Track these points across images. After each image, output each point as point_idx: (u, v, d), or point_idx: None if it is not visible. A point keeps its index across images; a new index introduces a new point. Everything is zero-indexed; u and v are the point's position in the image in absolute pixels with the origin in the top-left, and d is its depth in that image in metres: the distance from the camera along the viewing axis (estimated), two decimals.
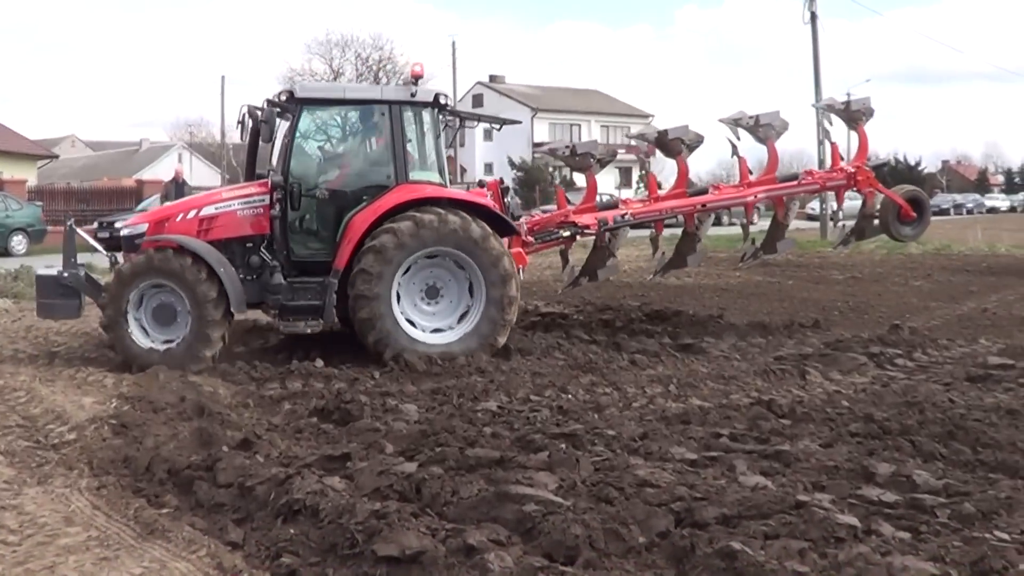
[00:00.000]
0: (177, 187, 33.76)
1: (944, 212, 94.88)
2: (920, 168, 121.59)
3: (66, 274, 15.62)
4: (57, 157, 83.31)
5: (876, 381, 14.02)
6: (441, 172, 16.78)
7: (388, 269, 15.38)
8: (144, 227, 15.89)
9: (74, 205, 51.18)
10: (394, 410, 11.94)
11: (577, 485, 8.64)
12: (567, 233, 18.76)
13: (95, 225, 43.12)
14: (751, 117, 19.42)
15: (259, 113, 16.28)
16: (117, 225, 16.73)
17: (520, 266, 17.11)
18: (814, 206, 54.19)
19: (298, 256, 15.98)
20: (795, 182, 19.98)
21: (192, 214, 15.80)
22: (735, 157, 19.93)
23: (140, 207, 45.23)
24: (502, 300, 15.83)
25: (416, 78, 16.72)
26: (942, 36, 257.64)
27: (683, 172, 19.51)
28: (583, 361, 15.29)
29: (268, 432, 11.14)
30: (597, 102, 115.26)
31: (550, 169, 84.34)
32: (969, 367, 14.81)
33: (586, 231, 18.78)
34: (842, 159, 20.29)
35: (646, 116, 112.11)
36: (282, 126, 16.28)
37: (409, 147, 16.35)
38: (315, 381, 13.96)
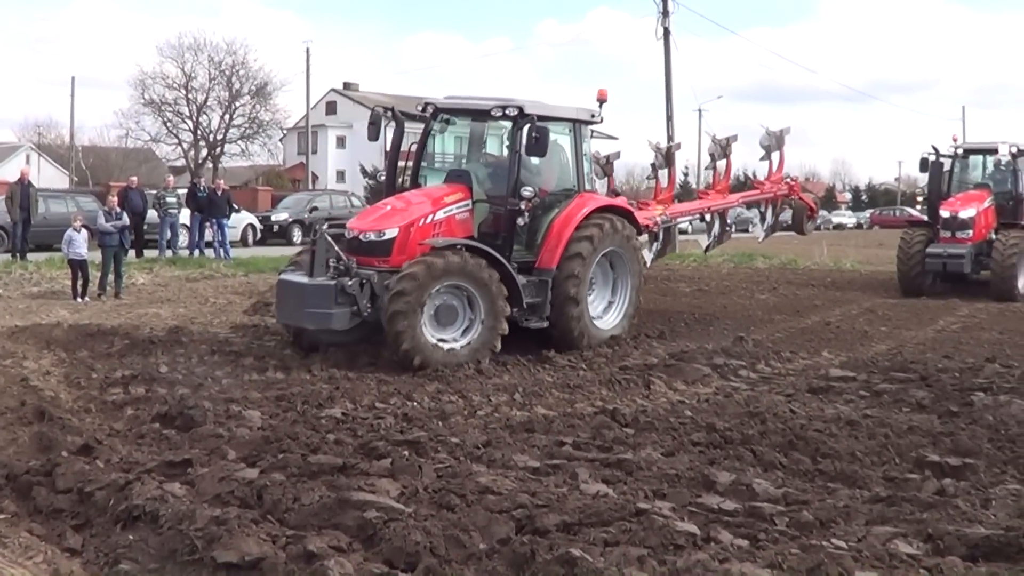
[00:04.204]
0: (23, 188, 33.04)
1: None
2: None
3: (350, 282, 15.59)
4: None
5: (719, 392, 14.23)
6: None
7: (586, 272, 17.68)
8: (394, 232, 16.21)
9: None
10: (237, 416, 11.81)
11: (419, 492, 8.63)
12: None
13: None
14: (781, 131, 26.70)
15: (402, 116, 18.47)
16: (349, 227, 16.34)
17: None
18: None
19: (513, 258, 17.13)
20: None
21: (430, 218, 16.54)
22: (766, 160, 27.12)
23: None
24: (639, 286, 19.57)
25: (601, 101, 19.00)
26: (795, 56, 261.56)
27: (729, 171, 26.46)
28: (430, 368, 15.19)
29: (109, 438, 10.98)
30: None
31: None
32: (811, 379, 15.09)
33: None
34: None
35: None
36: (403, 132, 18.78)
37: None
38: (158, 386, 13.77)
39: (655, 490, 9.00)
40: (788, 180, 27.11)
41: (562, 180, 18.54)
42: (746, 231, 31.41)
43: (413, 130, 18.75)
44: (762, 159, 27.48)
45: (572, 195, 18.20)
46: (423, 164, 18.65)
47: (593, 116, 18.82)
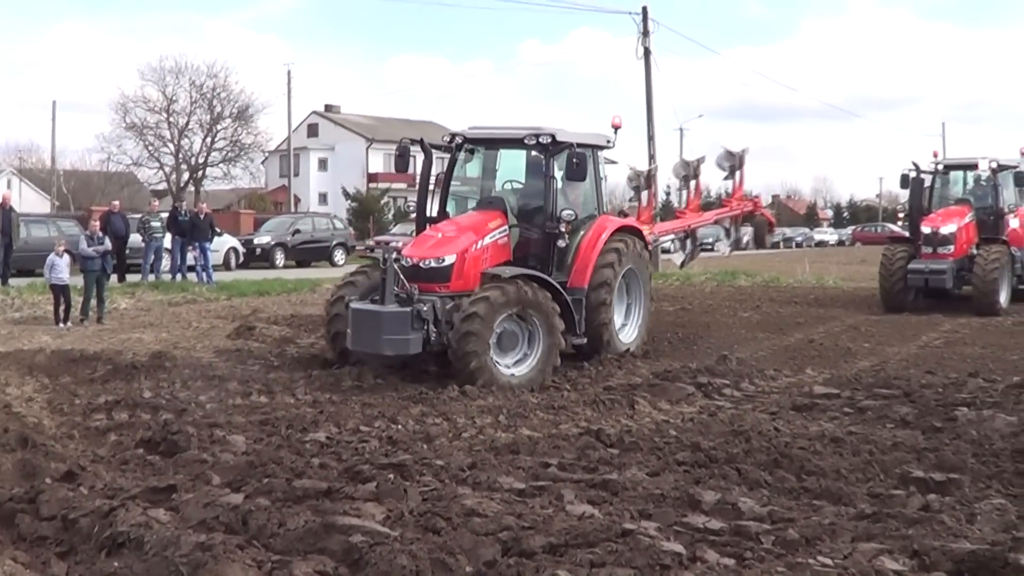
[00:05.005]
0: (4, 213, 32.94)
1: (774, 245, 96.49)
2: None
3: (424, 308, 16.16)
4: None
5: (704, 411, 14.24)
6: None
7: (615, 283, 18.69)
8: (452, 258, 16.86)
9: None
10: (221, 441, 11.79)
11: (405, 515, 8.60)
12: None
13: None
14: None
15: (430, 147, 18.77)
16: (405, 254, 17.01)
17: None
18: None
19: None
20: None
21: (480, 244, 17.27)
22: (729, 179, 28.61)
23: None
24: (651, 299, 20.81)
25: (616, 128, 19.58)
26: (777, 75, 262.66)
27: (699, 190, 27.81)
28: (414, 392, 15.24)
29: (93, 464, 10.96)
30: (433, 133, 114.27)
31: (383, 200, 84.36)
32: (795, 396, 15.14)
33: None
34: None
35: None
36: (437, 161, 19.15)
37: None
38: (142, 412, 13.73)
39: (641, 510, 9.00)
40: (751, 197, 29.26)
41: (587, 203, 19.33)
42: (712, 249, 31.98)
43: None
44: (725, 178, 29.04)
45: (594, 217, 19.13)
46: (430, 191, 19.17)
47: (608, 142, 19.67)
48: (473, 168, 19.76)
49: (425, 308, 16.10)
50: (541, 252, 18.05)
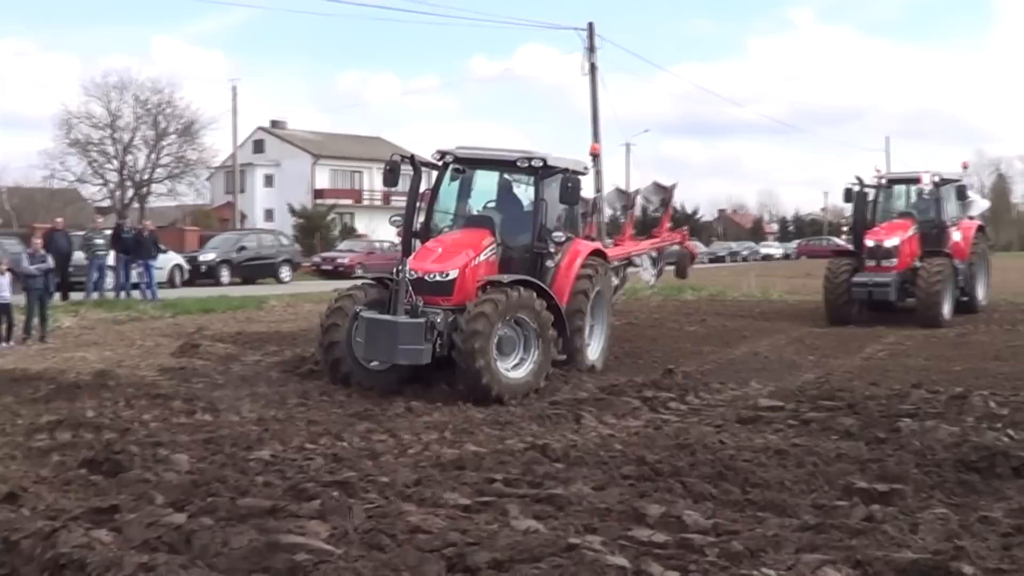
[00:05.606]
0: None
1: (720, 259, 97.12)
2: (697, 216, 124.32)
3: (438, 319, 16.61)
4: None
5: (649, 424, 14.27)
6: None
7: (588, 307, 19.12)
8: (455, 272, 17.20)
9: None
10: (165, 460, 11.65)
11: (349, 533, 8.57)
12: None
13: None
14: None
15: (420, 164, 18.91)
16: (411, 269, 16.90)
17: None
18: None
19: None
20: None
21: (476, 261, 17.71)
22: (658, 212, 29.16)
23: None
24: (612, 318, 21.30)
25: (594, 156, 20.73)
26: (722, 90, 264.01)
27: (632, 219, 28.94)
28: (360, 408, 15.19)
29: (35, 485, 10.80)
30: (379, 149, 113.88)
31: (330, 217, 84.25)
32: (740, 409, 15.18)
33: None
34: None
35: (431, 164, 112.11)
36: (427, 177, 19.68)
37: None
38: (85, 431, 13.56)
39: (586, 524, 9.00)
40: (679, 229, 29.88)
41: (564, 227, 19.45)
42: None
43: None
44: (655, 211, 29.76)
45: (570, 240, 19.35)
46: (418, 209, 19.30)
47: (585, 168, 20.71)
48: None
49: (439, 319, 16.52)
50: (526, 271, 18.28)
